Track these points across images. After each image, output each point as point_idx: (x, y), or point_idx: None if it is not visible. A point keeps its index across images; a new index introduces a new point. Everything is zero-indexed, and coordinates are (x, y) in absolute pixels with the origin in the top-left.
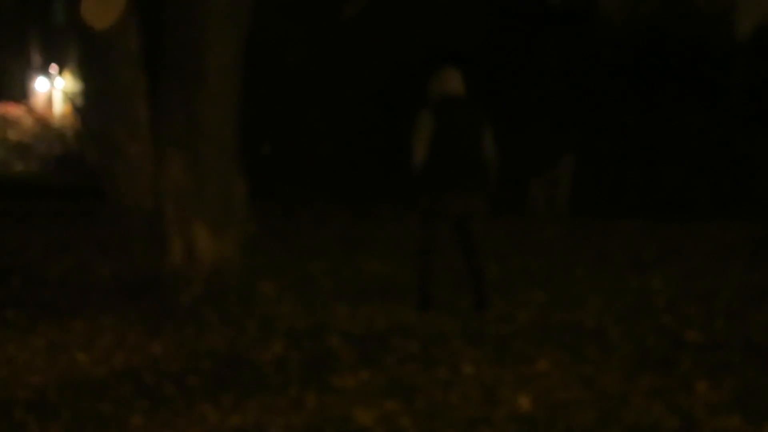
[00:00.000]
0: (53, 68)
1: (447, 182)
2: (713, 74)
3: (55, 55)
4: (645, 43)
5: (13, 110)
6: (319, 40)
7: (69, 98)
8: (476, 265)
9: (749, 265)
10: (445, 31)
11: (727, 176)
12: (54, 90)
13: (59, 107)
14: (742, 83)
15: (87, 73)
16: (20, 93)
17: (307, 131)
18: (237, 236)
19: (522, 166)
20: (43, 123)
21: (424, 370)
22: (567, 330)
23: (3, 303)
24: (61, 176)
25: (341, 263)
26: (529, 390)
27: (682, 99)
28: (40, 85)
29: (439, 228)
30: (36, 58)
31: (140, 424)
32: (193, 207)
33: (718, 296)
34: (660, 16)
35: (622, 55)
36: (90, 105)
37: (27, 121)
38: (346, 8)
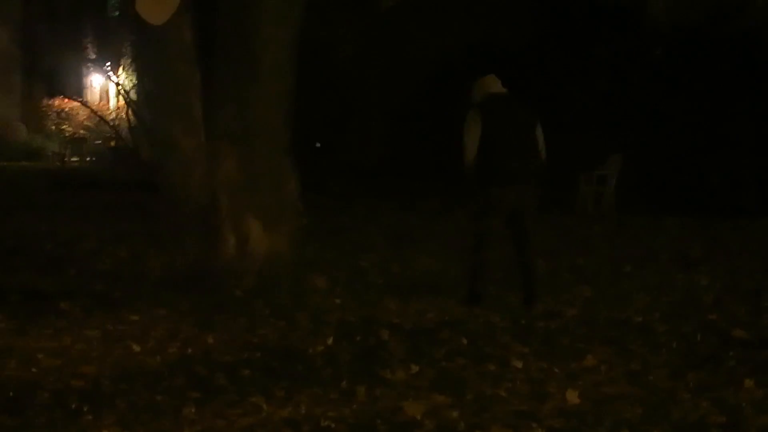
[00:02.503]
0: (108, 63)
1: (500, 177)
2: (762, 73)
3: (110, 50)
4: (694, 43)
5: (69, 104)
6: (368, 38)
7: (123, 93)
8: (527, 261)
9: None
10: (494, 30)
11: None
12: (109, 84)
13: (114, 101)
14: None
15: (142, 67)
16: (75, 87)
17: (358, 127)
18: (289, 230)
19: (571, 165)
20: (98, 117)
21: (473, 364)
22: (614, 326)
23: (58, 294)
24: (115, 170)
25: (391, 258)
26: (577, 385)
27: (731, 98)
28: (95, 79)
29: (492, 224)
30: (91, 53)
31: (193, 414)
32: (246, 201)
33: (765, 294)
34: (710, 15)
35: (671, 55)
36: (145, 99)
37: (82, 115)
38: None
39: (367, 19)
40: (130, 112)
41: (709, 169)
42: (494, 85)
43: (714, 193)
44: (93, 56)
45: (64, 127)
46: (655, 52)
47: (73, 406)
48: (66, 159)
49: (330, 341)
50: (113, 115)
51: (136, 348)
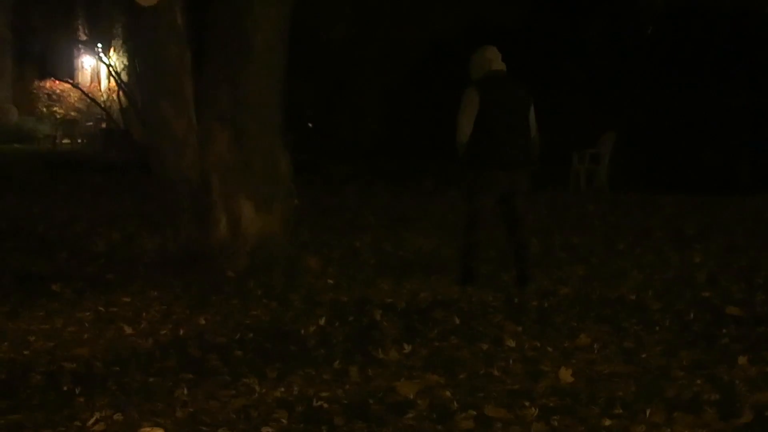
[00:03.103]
0: (99, 44)
1: (493, 159)
2: (755, 52)
3: (101, 32)
4: (687, 21)
5: (60, 86)
6: (362, 18)
7: (115, 74)
8: (520, 240)
9: None
10: (488, 8)
11: None
12: (100, 66)
13: (105, 83)
14: None
15: (133, 49)
16: (67, 69)
17: (351, 107)
18: (281, 211)
19: (564, 143)
20: (89, 99)
21: (466, 344)
22: (608, 304)
23: (50, 276)
24: (106, 151)
25: (384, 238)
26: (571, 363)
27: (724, 76)
28: (86, 61)
29: (484, 204)
30: (82, 35)
31: (185, 396)
32: (239, 182)
33: (759, 271)
34: None
35: (664, 33)
36: (136, 81)
37: (73, 96)
38: None
39: None
40: (121, 93)
41: (702, 146)
42: (495, 60)
43: (707, 170)
44: (84, 38)
45: (55, 109)
46: (646, 30)
47: (66, 388)
48: (57, 141)
49: (323, 321)
50: (104, 96)
51: (129, 330)
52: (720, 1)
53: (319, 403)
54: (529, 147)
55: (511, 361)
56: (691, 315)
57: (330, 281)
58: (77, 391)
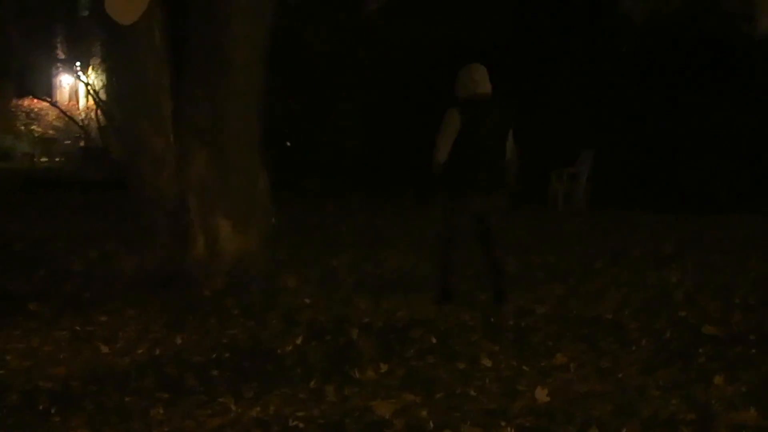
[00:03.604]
0: (78, 63)
1: (469, 182)
2: (734, 70)
3: (80, 50)
4: (666, 39)
5: (38, 104)
6: (342, 35)
7: (93, 92)
8: (496, 259)
9: (767, 259)
10: (468, 26)
11: (746, 171)
12: (78, 84)
13: (83, 101)
14: (762, 79)
15: (112, 67)
16: (45, 87)
17: (331, 125)
18: (260, 229)
19: (542, 161)
20: (67, 117)
21: (443, 363)
22: (585, 323)
23: (27, 295)
24: (85, 169)
25: (363, 257)
26: (547, 383)
27: (703, 94)
28: (64, 79)
29: (460, 223)
30: (61, 53)
31: (161, 415)
32: (217, 200)
33: (736, 290)
34: (681, 12)
35: (644, 51)
36: (114, 99)
37: (51, 115)
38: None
39: (342, 15)
40: (99, 111)
41: (681, 165)
42: (482, 83)
43: (686, 189)
44: (63, 56)
45: (33, 127)
46: (622, 48)
47: (42, 407)
48: (36, 159)
49: (300, 341)
50: (83, 114)
51: (105, 349)
52: (698, 20)
53: (296, 422)
54: (505, 169)
55: (487, 381)
56: (668, 334)
57: (307, 300)
58: (53, 411)
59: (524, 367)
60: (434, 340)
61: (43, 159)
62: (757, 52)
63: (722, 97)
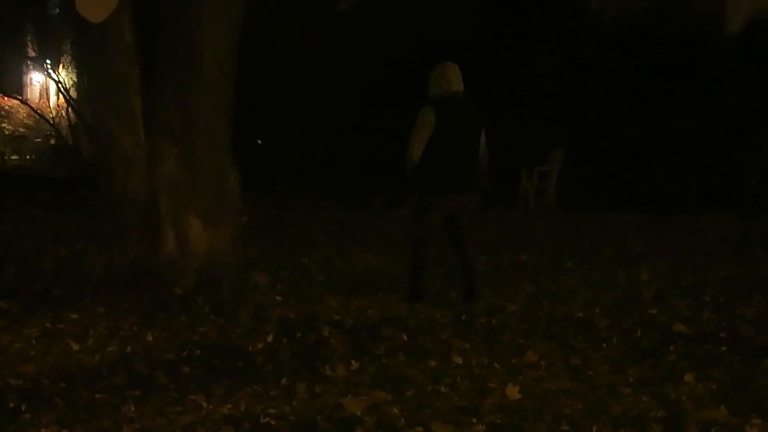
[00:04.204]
0: (48, 60)
1: (441, 182)
2: (703, 70)
3: (50, 48)
4: (635, 39)
5: (8, 102)
6: (312, 34)
7: (64, 90)
8: (466, 258)
9: (736, 258)
10: (438, 25)
11: (716, 171)
12: (49, 82)
13: (54, 99)
14: (732, 79)
15: (82, 65)
16: (15, 85)
17: (301, 124)
18: (230, 228)
19: (512, 160)
20: (38, 115)
21: (414, 361)
22: (556, 322)
23: None
24: (55, 168)
25: (333, 255)
26: (518, 380)
27: (672, 94)
28: (35, 77)
29: (431, 222)
30: (31, 50)
31: (132, 413)
32: (187, 199)
33: (706, 289)
34: (650, 12)
35: (613, 51)
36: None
37: (21, 112)
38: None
39: (312, 14)
40: (70, 110)
41: (650, 164)
42: (455, 81)
43: (655, 189)
44: (33, 54)
45: (3, 125)
46: (589, 47)
47: (12, 405)
48: (6, 157)
49: (270, 338)
50: (53, 113)
51: (76, 346)
52: (668, 19)
53: (267, 419)
54: (477, 169)
55: (458, 378)
56: (639, 332)
57: (278, 298)
58: (23, 408)
59: (495, 365)
60: (405, 338)
61: (14, 157)
62: (726, 52)
63: (692, 97)
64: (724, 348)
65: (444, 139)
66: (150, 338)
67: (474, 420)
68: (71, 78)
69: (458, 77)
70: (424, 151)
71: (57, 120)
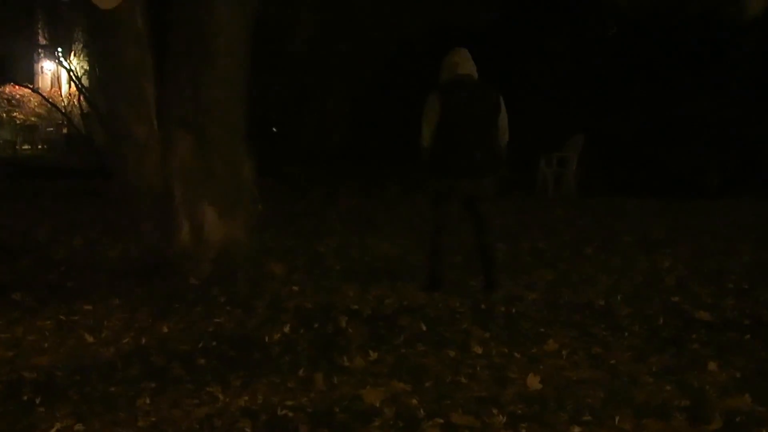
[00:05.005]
0: (60, 49)
1: (455, 167)
2: (723, 53)
3: (61, 35)
4: (654, 22)
5: (19, 91)
6: (327, 19)
7: (75, 79)
8: (486, 245)
9: (759, 244)
10: (454, 11)
11: (738, 155)
12: (60, 70)
13: (65, 88)
14: (752, 63)
15: (94, 53)
16: (26, 74)
17: (316, 111)
18: (245, 217)
19: (531, 146)
20: (50, 104)
21: (433, 351)
22: (576, 309)
23: (11, 284)
24: (68, 157)
25: (350, 243)
26: (539, 370)
27: (692, 78)
28: (46, 65)
29: (448, 209)
30: (42, 38)
31: (147, 405)
32: (201, 188)
33: (729, 275)
34: None
35: (632, 35)
36: (97, 85)
37: (33, 101)
38: None
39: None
40: (82, 98)
41: (670, 150)
42: (462, 64)
43: (675, 174)
44: (44, 42)
45: (15, 114)
46: (609, 30)
47: (26, 397)
48: (18, 147)
49: (287, 329)
50: (65, 101)
51: (90, 338)
52: (685, 2)
53: (284, 411)
54: (494, 154)
55: (478, 368)
56: (661, 320)
57: (294, 288)
58: (38, 401)
59: (515, 354)
60: (424, 328)
61: (26, 147)
62: (746, 35)
63: (712, 81)
64: (747, 335)
65: (451, 123)
66: (165, 329)
67: (495, 410)
68: (83, 66)
69: (466, 61)
70: (434, 137)
71: (69, 109)
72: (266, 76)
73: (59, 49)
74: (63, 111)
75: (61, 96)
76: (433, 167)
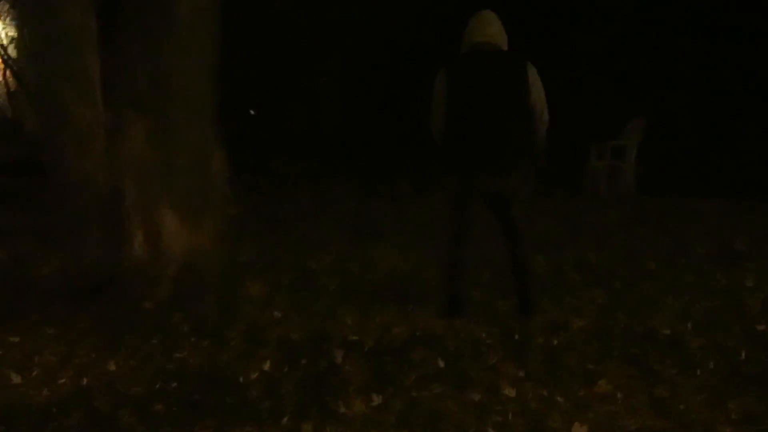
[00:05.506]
0: None
1: (472, 160)
2: None
3: None
4: None
5: None
6: None
7: (1, 48)
8: (520, 259)
9: None
10: None
11: None
12: None
13: None
14: None
15: (24, 15)
16: None
17: (306, 91)
18: (215, 223)
19: (579, 133)
20: None
21: (453, 393)
22: (635, 340)
23: None
24: None
25: (348, 256)
26: (587, 418)
27: None
28: None
29: (471, 212)
30: None
31: None
32: (160, 186)
33: None
34: None
35: None
36: (29, 58)
37: None
38: None
39: None
40: (8, 72)
41: (755, 138)
42: (478, 30)
43: (759, 169)
44: None
45: None
46: None
47: None
48: None
49: (267, 366)
50: None
51: (17, 379)
52: None
53: None
54: (525, 141)
55: (510, 416)
56: (742, 354)
57: (277, 313)
58: None
59: (557, 398)
60: (441, 364)
61: None
62: None
63: None
64: None
65: (465, 104)
66: (113, 367)
67: None
68: (8, 33)
69: (486, 25)
70: (447, 121)
71: None
72: (243, 47)
73: None
74: None
75: None
76: (447, 160)
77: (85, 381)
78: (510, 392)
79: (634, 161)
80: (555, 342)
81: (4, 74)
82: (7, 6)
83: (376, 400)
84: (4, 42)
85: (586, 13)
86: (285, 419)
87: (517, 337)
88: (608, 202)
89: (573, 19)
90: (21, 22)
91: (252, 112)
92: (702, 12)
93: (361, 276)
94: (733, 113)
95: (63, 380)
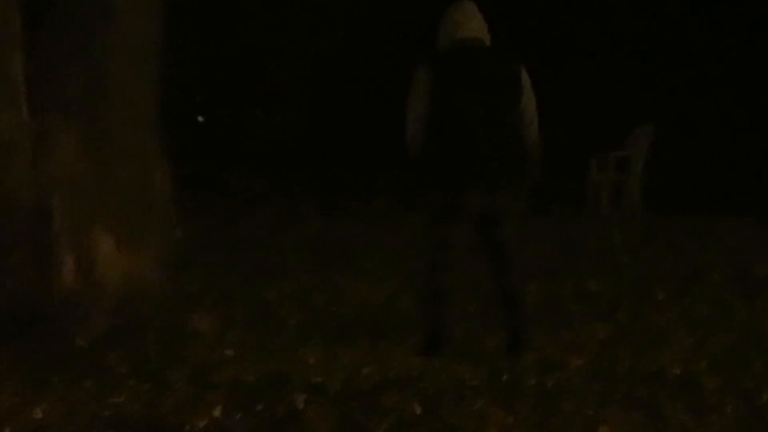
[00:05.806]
0: None
1: (455, 172)
2: None
3: None
4: None
5: None
6: None
7: None
8: (510, 288)
9: None
10: None
11: None
12: None
13: None
14: None
15: None
16: None
17: (265, 94)
18: (157, 247)
19: (579, 142)
20: None
21: None
22: (642, 381)
23: None
24: None
25: (313, 286)
26: None
27: None
28: None
29: (453, 233)
30: None
31: None
32: (93, 204)
33: None
34: None
35: None
36: None
37: None
38: None
39: None
40: None
41: None
42: (464, 24)
43: None
44: None
45: None
46: None
47: None
48: None
49: (218, 412)
50: None
51: None
52: None
53: None
54: (515, 153)
55: None
56: (764, 397)
57: (229, 352)
58: None
59: None
60: (418, 410)
61: None
62: None
63: None
64: None
65: (449, 109)
66: (39, 414)
67: None
68: None
69: (470, 19)
70: (428, 129)
71: None
72: (192, 43)
73: None
74: None
75: None
76: (426, 174)
77: (7, 430)
78: None
79: (640, 174)
80: (549, 384)
81: None
82: None
83: None
84: None
85: (586, 6)
86: None
87: (505, 377)
88: (611, 220)
89: (571, 13)
90: None
91: (200, 118)
92: (715, 12)
93: (327, 308)
94: (753, 120)
95: None
